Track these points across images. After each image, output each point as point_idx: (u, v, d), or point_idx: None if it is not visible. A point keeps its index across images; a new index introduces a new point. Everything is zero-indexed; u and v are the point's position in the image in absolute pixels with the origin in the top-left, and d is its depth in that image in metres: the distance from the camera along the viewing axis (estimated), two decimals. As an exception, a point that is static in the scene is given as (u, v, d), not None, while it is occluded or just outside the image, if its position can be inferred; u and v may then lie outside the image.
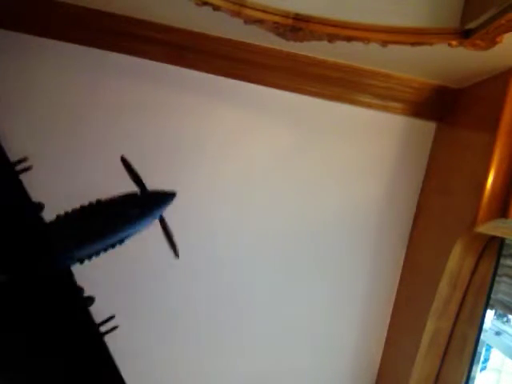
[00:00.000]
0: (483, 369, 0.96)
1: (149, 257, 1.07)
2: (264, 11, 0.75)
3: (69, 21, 1.02)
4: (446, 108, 1.01)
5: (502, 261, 0.89)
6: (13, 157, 1.05)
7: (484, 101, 0.88)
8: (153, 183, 1.06)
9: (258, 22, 0.77)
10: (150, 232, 1.08)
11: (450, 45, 0.71)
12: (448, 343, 0.93)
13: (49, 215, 1.05)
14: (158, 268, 1.07)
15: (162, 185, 1.06)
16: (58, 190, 1.07)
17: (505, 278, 0.89)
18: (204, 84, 1.05)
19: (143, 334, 1.07)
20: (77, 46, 1.04)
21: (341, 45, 0.78)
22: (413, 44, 0.73)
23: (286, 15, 0.75)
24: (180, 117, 1.06)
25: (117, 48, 1.03)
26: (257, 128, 1.06)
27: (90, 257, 0.43)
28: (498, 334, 0.95)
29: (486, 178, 0.78)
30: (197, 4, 0.75)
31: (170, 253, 1.07)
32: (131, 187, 1.07)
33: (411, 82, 0.99)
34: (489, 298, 0.89)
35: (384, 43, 0.75)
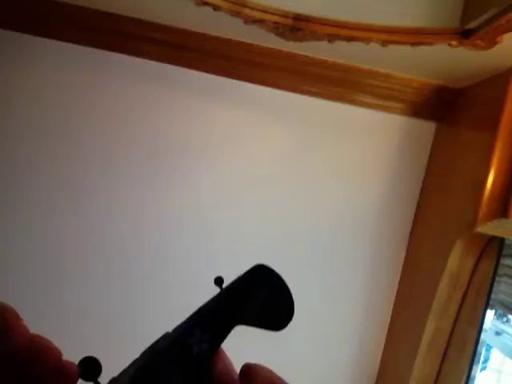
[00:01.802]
0: (483, 369, 0.96)
1: (143, 256, 1.08)
2: (264, 11, 0.75)
3: (69, 21, 1.02)
4: (446, 108, 1.01)
5: (502, 261, 0.89)
6: (11, 157, 1.05)
7: (484, 101, 0.88)
8: (152, 183, 1.06)
9: (258, 22, 0.77)
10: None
11: (450, 45, 0.71)
12: (448, 343, 0.93)
13: (46, 214, 1.05)
14: (153, 269, 1.08)
15: (162, 184, 1.06)
16: (57, 189, 1.07)
17: (505, 278, 0.89)
18: (204, 84, 1.05)
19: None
20: (76, 45, 1.04)
21: (341, 45, 0.78)
22: (413, 44, 0.73)
23: (285, 15, 0.75)
24: (179, 116, 1.06)
25: (116, 48, 1.03)
26: (256, 128, 1.06)
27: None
28: (498, 333, 0.95)
29: (486, 178, 0.78)
30: (197, 4, 0.75)
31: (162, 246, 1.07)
32: (129, 190, 1.08)
33: (411, 81, 0.99)
34: (489, 297, 0.89)
35: (384, 43, 0.75)
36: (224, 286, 0.34)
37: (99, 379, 0.30)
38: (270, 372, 0.31)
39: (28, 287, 1.07)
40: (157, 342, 0.32)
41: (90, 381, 0.30)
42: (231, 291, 0.33)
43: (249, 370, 0.30)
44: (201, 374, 0.31)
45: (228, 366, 0.32)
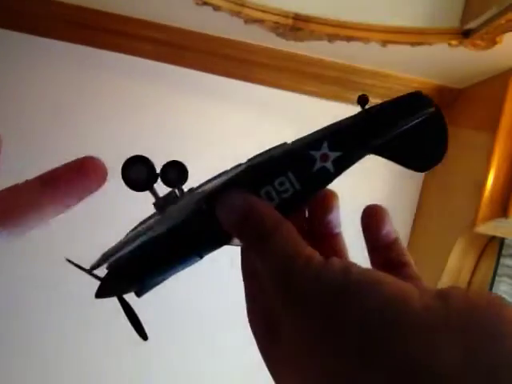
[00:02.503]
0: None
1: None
2: (264, 11, 0.75)
3: (68, 20, 1.02)
4: (446, 108, 1.01)
5: (502, 261, 0.89)
6: (13, 157, 1.05)
7: (484, 101, 0.88)
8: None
9: (258, 21, 0.77)
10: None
11: (449, 45, 0.71)
12: (448, 343, 0.93)
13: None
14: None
15: (161, 185, 1.06)
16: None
17: (505, 278, 0.89)
18: (203, 84, 1.05)
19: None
20: (76, 45, 1.04)
21: (341, 44, 0.78)
22: (413, 44, 0.73)
23: (285, 15, 0.75)
24: (179, 116, 1.06)
25: (116, 47, 1.03)
26: (256, 127, 1.06)
27: None
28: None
29: (486, 178, 0.78)
30: (197, 4, 0.75)
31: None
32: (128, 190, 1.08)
33: (411, 81, 0.99)
34: (489, 297, 0.89)
35: (384, 43, 0.75)
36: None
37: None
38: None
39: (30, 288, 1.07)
40: (273, 148, 0.27)
41: (172, 186, 0.28)
42: (377, 112, 0.28)
43: (373, 207, 0.30)
44: (310, 196, 0.27)
45: (338, 212, 0.30)
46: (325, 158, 0.26)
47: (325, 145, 0.26)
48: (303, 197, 0.26)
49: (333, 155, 0.26)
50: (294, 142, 0.27)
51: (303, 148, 0.26)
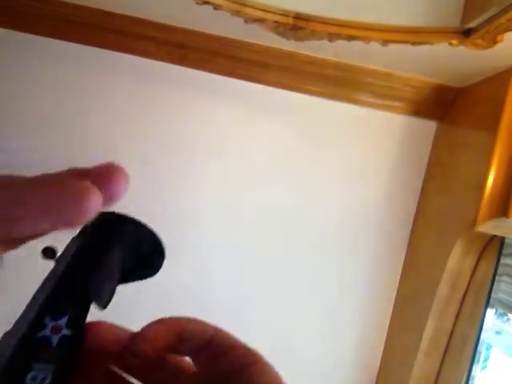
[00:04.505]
0: (483, 368, 0.96)
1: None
2: (264, 10, 0.75)
3: (69, 20, 1.02)
4: (447, 107, 1.01)
5: (503, 260, 0.89)
6: (12, 157, 1.05)
7: (484, 100, 0.88)
8: (153, 184, 1.06)
9: (259, 21, 0.77)
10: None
11: (450, 44, 0.71)
12: (448, 343, 0.93)
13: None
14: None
15: (163, 186, 1.06)
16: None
17: (505, 277, 0.89)
18: (204, 83, 1.05)
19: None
20: (77, 45, 1.04)
21: (341, 44, 0.78)
22: (413, 43, 0.73)
23: (286, 14, 0.75)
24: (180, 116, 1.06)
25: (117, 47, 1.03)
26: (257, 127, 1.06)
27: None
28: (498, 333, 0.94)
29: (486, 178, 0.78)
30: (197, 3, 0.75)
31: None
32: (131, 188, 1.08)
33: (412, 80, 0.99)
34: (489, 297, 0.89)
35: (384, 42, 0.75)
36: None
37: None
38: (115, 327, 0.27)
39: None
40: None
41: None
42: (73, 261, 0.25)
43: (91, 327, 0.26)
44: (73, 362, 0.25)
45: (108, 334, 0.26)
46: (56, 329, 0.23)
47: (47, 319, 0.23)
48: (66, 369, 0.24)
49: (62, 322, 0.24)
50: (11, 334, 0.24)
51: (28, 337, 0.23)
